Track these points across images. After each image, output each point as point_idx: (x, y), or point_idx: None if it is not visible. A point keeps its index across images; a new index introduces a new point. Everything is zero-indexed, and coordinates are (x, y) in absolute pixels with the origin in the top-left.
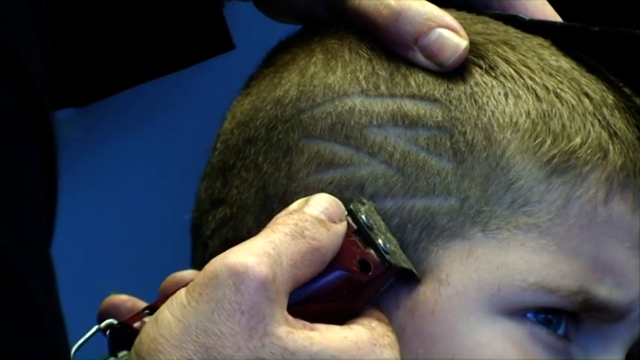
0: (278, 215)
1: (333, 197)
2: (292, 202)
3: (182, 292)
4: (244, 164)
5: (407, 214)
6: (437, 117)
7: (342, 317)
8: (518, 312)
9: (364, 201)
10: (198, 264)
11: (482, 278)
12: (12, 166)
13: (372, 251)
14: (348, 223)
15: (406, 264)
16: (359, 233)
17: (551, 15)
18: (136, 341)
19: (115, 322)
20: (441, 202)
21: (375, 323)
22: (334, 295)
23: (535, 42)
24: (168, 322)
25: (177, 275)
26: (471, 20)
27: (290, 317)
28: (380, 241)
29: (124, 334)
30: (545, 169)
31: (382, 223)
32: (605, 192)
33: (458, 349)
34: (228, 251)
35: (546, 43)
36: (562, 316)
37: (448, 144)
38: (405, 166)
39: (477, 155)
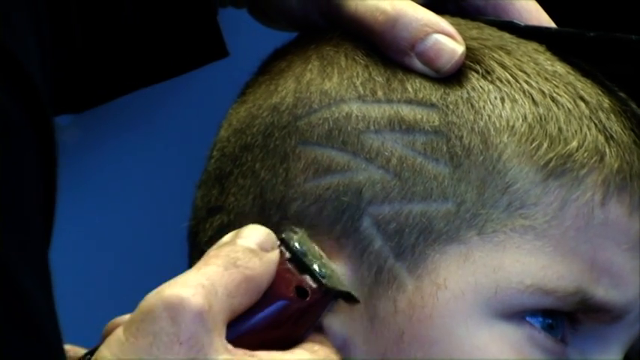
0: (209, 250)
1: (263, 227)
2: (290, 208)
3: (119, 330)
4: (241, 171)
5: (404, 218)
6: (434, 122)
7: (285, 345)
8: (516, 315)
9: (297, 230)
10: None
11: (479, 281)
12: (11, 172)
13: (307, 277)
14: (282, 252)
15: (343, 287)
16: (293, 261)
17: (546, 21)
18: None
19: None
20: (437, 206)
21: (317, 347)
22: (274, 324)
23: (530, 47)
24: None
25: (118, 319)
26: (465, 26)
27: (229, 346)
28: (315, 266)
29: None
30: (541, 172)
31: (316, 249)
32: (602, 194)
33: (456, 353)
34: (162, 286)
35: (541, 48)
36: (560, 319)
37: (445, 148)
38: (402, 171)
39: (474, 159)
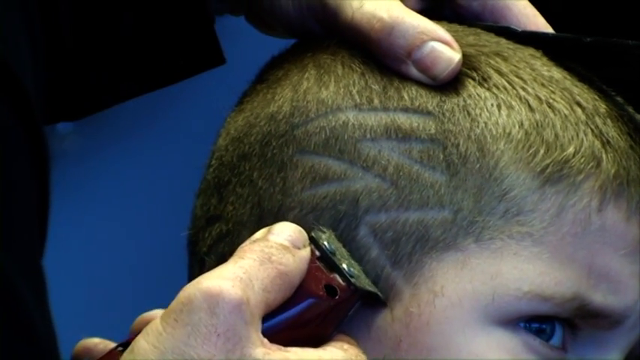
0: (243, 244)
1: (294, 225)
2: (287, 217)
3: (157, 320)
4: (239, 180)
5: (401, 227)
6: (430, 129)
7: (312, 344)
8: (512, 321)
9: (324, 230)
10: None
11: (476, 289)
12: (4, 179)
13: (337, 276)
14: (312, 250)
15: (371, 287)
16: (322, 260)
17: (543, 26)
18: None
19: None
20: (434, 214)
21: (346, 346)
22: (303, 322)
23: (527, 53)
24: (144, 350)
25: (147, 315)
26: (462, 32)
27: (265, 340)
28: (344, 266)
29: None
30: (538, 178)
31: (344, 249)
32: (599, 200)
33: None
34: (200, 277)
35: (538, 54)
36: (557, 325)
37: (441, 156)
38: (399, 180)
39: (470, 167)
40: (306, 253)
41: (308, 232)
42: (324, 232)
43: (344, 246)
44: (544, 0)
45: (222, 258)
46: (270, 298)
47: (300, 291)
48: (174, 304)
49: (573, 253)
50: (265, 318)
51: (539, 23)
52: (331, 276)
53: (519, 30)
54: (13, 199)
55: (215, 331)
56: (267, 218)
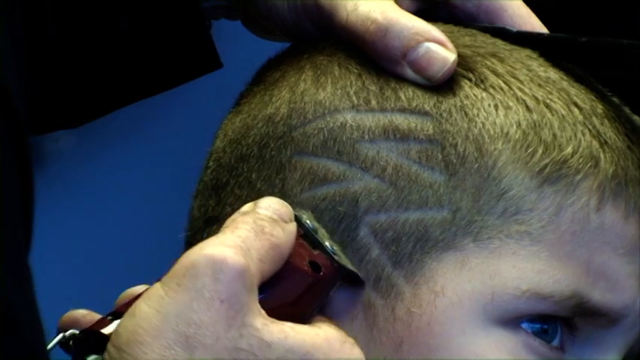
0: (232, 217)
1: (279, 199)
2: None
3: (157, 285)
4: (237, 182)
5: (400, 227)
6: (428, 130)
7: (294, 321)
8: (512, 321)
9: (303, 211)
10: None
11: (475, 288)
12: None
13: (320, 253)
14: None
15: (352, 267)
16: (305, 237)
17: (538, 26)
18: (113, 335)
19: (77, 331)
20: (433, 214)
21: (334, 325)
22: (289, 297)
23: (523, 54)
24: (146, 314)
25: (130, 290)
26: (458, 33)
27: (262, 310)
28: (327, 243)
29: (90, 341)
30: (536, 178)
31: (324, 230)
32: (598, 199)
33: None
34: (202, 243)
35: (534, 55)
36: (557, 325)
37: (440, 156)
38: (398, 180)
39: (469, 167)
40: (293, 227)
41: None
42: (304, 213)
43: (324, 227)
44: (539, 0)
45: None
46: (265, 269)
47: (287, 267)
48: (176, 268)
49: (572, 251)
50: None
51: (534, 24)
52: (315, 253)
53: (514, 31)
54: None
55: (218, 297)
56: None
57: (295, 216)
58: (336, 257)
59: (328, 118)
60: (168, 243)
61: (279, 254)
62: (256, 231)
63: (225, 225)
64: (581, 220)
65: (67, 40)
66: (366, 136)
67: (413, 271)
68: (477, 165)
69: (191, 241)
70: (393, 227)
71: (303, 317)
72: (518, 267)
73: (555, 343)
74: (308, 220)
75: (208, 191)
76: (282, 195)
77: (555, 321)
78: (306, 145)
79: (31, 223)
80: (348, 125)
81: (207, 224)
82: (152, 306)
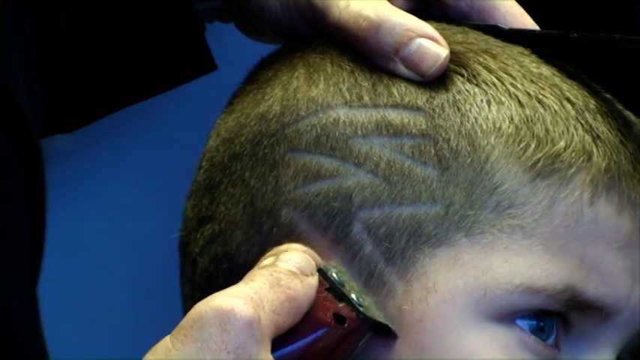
0: (251, 270)
1: (302, 253)
2: (280, 215)
3: (166, 338)
4: (231, 180)
5: (394, 222)
6: (421, 125)
7: None
8: (506, 317)
9: (333, 264)
10: (187, 281)
11: (468, 284)
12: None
13: (345, 305)
14: (320, 280)
15: (381, 319)
16: (331, 290)
17: (531, 25)
18: None
19: None
20: (426, 209)
21: None
22: (312, 352)
23: (515, 50)
24: None
25: None
26: (450, 31)
27: None
28: (353, 296)
29: None
30: (529, 172)
31: (353, 283)
32: (591, 193)
33: (448, 358)
34: (211, 295)
35: (527, 51)
36: (553, 322)
37: (433, 151)
38: (391, 175)
39: (462, 161)
40: (313, 280)
41: (317, 266)
42: (332, 267)
43: (354, 281)
44: (535, 0)
45: (215, 258)
46: (280, 321)
47: (308, 320)
48: (184, 321)
49: (565, 245)
50: (274, 347)
51: (526, 22)
52: (340, 305)
53: (506, 28)
54: (5, 220)
55: (225, 348)
56: (259, 217)
57: (320, 269)
58: (361, 309)
59: (321, 115)
60: (164, 244)
61: (296, 307)
62: (271, 283)
63: (243, 278)
64: (575, 214)
65: (71, 45)
66: (359, 132)
67: (405, 267)
68: (469, 159)
69: (185, 241)
70: (387, 223)
71: None
72: (511, 261)
73: (550, 341)
74: (335, 274)
75: (202, 191)
76: (276, 192)
77: (551, 317)
78: (299, 141)
79: (41, 247)
80: (340, 121)
81: (201, 224)
82: (159, 358)
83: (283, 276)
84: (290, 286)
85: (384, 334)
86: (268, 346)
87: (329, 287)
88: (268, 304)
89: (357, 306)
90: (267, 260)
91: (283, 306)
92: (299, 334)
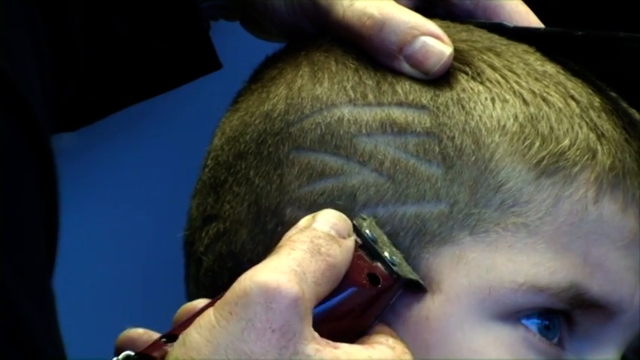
0: (289, 233)
1: (339, 212)
2: (285, 214)
3: (210, 311)
4: (236, 179)
5: (398, 221)
6: (425, 123)
7: (354, 334)
8: (511, 316)
9: (365, 217)
10: (192, 280)
11: (472, 283)
12: (11, 198)
13: (379, 264)
14: (354, 238)
15: (413, 275)
16: (364, 248)
17: (535, 23)
18: None
19: (133, 353)
20: (431, 207)
21: (391, 341)
22: (346, 312)
23: (520, 48)
24: (197, 344)
25: (189, 305)
26: (454, 29)
27: (316, 334)
28: (386, 254)
29: None
30: (534, 170)
31: (385, 237)
32: (595, 191)
33: (453, 357)
34: (254, 269)
35: (531, 49)
36: (558, 322)
37: (437, 149)
38: (396, 174)
39: (466, 159)
40: (351, 242)
41: (350, 220)
42: (365, 220)
43: (385, 233)
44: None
45: (220, 257)
46: (321, 291)
47: (343, 281)
48: (228, 295)
49: (569, 243)
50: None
51: (531, 20)
52: (374, 264)
53: (511, 26)
54: (19, 215)
55: (270, 327)
56: (264, 216)
57: (354, 226)
58: (395, 268)
59: (325, 113)
60: (169, 243)
61: (336, 274)
62: (312, 251)
63: (281, 243)
64: (579, 212)
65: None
66: (364, 130)
67: (410, 266)
68: (474, 158)
69: (190, 240)
70: (391, 222)
71: (362, 329)
72: (515, 260)
73: (555, 340)
74: (368, 230)
75: (207, 189)
76: (280, 191)
77: (556, 316)
78: (304, 140)
79: (55, 243)
80: (345, 119)
81: (206, 222)
82: (203, 335)
83: (323, 242)
84: (330, 253)
85: (416, 289)
86: (310, 320)
87: (362, 244)
88: (310, 275)
89: (391, 265)
90: (303, 221)
91: (324, 275)
92: (334, 296)
